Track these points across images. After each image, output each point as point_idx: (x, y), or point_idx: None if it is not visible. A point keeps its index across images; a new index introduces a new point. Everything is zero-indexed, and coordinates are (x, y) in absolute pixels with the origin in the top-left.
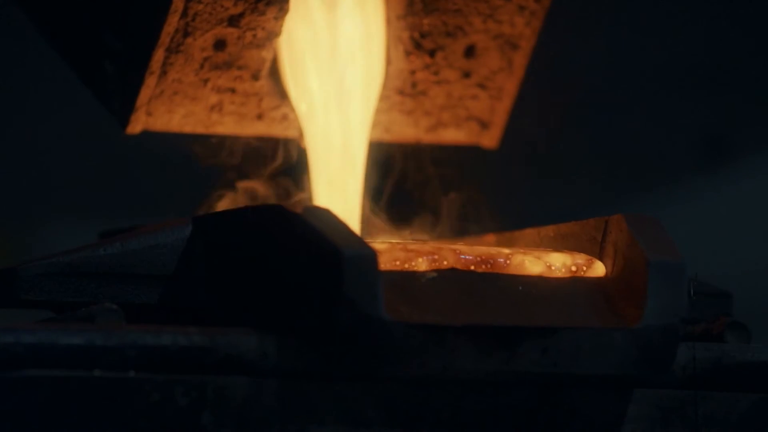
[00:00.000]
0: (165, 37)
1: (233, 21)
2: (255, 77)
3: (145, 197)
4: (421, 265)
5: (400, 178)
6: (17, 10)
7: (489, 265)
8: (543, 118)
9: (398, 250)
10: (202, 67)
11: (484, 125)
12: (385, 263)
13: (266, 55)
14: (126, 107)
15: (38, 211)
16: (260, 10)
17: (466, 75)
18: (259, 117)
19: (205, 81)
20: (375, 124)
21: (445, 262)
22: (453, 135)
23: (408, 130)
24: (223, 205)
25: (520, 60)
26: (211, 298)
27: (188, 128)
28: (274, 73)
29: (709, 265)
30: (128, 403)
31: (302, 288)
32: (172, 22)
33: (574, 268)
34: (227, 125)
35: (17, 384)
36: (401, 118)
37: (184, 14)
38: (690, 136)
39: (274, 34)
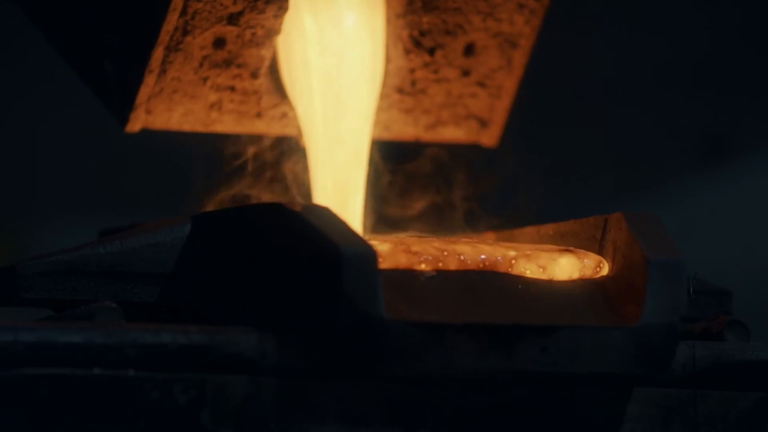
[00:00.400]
0: (164, 36)
1: (232, 19)
2: (254, 75)
3: (145, 195)
4: (421, 263)
5: (400, 176)
6: (17, 9)
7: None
8: (542, 117)
9: (398, 249)
10: (201, 65)
11: (483, 123)
12: (384, 262)
13: (265, 53)
14: (125, 105)
15: (37, 209)
16: (259, 9)
17: (466, 73)
18: (259, 115)
19: (205, 79)
20: (374, 123)
21: (445, 261)
22: (452, 133)
23: (407, 129)
24: (223, 203)
25: (520, 58)
26: (211, 297)
27: (187, 126)
28: (274, 71)
29: (708, 264)
30: (127, 401)
31: (301, 286)
32: (172, 21)
33: (582, 274)
34: (226, 123)
35: (16, 382)
36: (401, 116)
37: (184, 12)
38: (689, 134)
39: (273, 33)
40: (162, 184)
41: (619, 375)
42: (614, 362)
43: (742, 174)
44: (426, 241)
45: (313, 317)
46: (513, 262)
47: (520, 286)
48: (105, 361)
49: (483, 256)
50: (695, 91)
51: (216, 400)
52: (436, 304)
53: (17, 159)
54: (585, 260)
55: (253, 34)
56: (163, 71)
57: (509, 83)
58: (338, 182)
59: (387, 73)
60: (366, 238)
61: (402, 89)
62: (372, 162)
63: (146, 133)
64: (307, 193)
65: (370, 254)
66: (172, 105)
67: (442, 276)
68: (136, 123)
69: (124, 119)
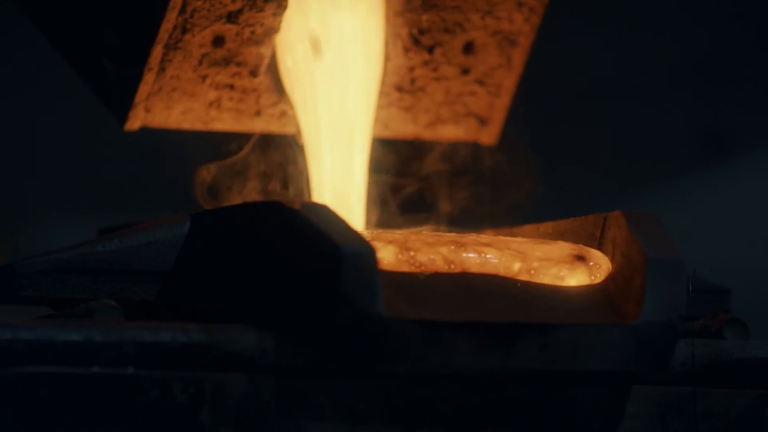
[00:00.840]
0: (163, 34)
1: (232, 17)
2: (253, 73)
3: (144, 193)
4: (420, 261)
5: (399, 175)
6: (16, 7)
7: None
8: (542, 115)
9: (397, 247)
10: (200, 63)
11: (482, 122)
12: (384, 260)
13: (265, 51)
14: (124, 104)
15: (36, 207)
16: (259, 7)
17: (465, 71)
18: (258, 113)
19: (204, 77)
20: (374, 121)
21: (445, 260)
22: (452, 132)
23: (407, 127)
24: (222, 201)
25: (519, 56)
26: (210, 295)
27: (186, 125)
28: (273, 69)
29: (707, 262)
30: (127, 399)
31: (301, 285)
32: (171, 19)
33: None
34: (225, 122)
35: (16, 381)
36: (400, 114)
37: (183, 11)
38: (689, 133)
39: (272, 31)
40: (161, 182)
41: (619, 373)
42: (614, 360)
43: (741, 172)
44: (425, 239)
45: (312, 315)
46: (518, 276)
47: (519, 285)
48: (104, 359)
49: (490, 270)
50: (695, 90)
51: (215, 399)
52: (435, 303)
53: (16, 157)
54: (597, 273)
55: (253, 32)
56: (162, 69)
57: (508, 81)
58: (337, 180)
59: (386, 72)
60: (369, 235)
61: (401, 87)
62: (371, 160)
63: (145, 131)
64: (306, 192)
65: (370, 252)
66: (171, 103)
67: (441, 274)
68: (136, 121)
69: (124, 117)
